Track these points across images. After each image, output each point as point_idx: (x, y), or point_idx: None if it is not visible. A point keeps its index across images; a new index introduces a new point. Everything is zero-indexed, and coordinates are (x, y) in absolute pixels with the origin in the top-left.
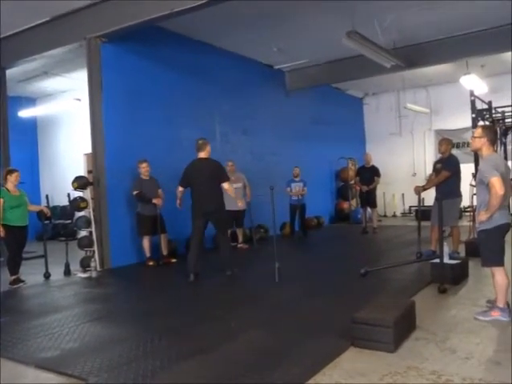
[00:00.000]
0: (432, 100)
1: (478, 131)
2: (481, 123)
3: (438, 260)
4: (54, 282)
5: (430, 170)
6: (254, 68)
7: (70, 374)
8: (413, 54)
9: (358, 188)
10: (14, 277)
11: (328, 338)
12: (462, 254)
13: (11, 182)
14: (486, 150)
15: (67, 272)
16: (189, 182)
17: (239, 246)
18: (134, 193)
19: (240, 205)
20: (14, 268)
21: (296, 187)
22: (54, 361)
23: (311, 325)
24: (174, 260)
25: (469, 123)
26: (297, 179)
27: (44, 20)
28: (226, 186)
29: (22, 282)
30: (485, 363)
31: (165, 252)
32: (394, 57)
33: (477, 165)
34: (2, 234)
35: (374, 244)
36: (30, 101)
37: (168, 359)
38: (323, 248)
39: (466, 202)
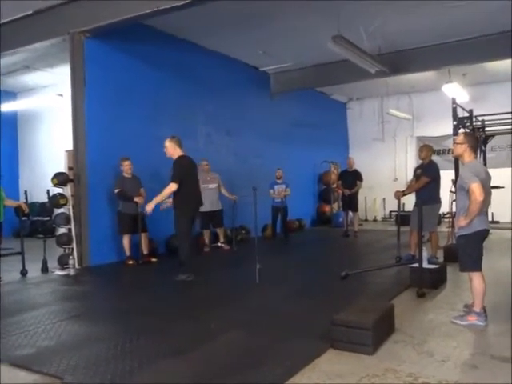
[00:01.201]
0: (414, 107)
1: (460, 138)
2: (461, 131)
3: (416, 264)
4: (31, 279)
5: (411, 175)
6: (240, 69)
7: (46, 373)
8: (397, 61)
9: (340, 191)
10: None
11: (307, 340)
12: (441, 259)
13: None
14: (467, 157)
15: (45, 269)
16: (185, 178)
17: (220, 245)
18: (116, 191)
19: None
20: None
21: (279, 189)
22: (30, 359)
23: (291, 326)
24: (154, 259)
25: (450, 131)
26: (279, 181)
27: (27, 13)
28: None
29: None
30: (461, 366)
31: (145, 251)
32: (379, 62)
33: (457, 171)
34: None
35: (354, 247)
36: (11, 95)
37: (146, 359)
38: (304, 250)
39: (445, 208)
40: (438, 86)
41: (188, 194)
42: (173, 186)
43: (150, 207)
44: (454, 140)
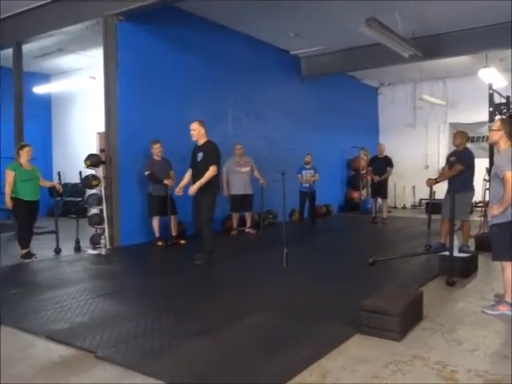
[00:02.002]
0: (449, 92)
1: (497, 124)
2: (498, 117)
3: (447, 253)
4: (64, 257)
5: (443, 163)
6: (270, 52)
7: (79, 347)
8: (432, 45)
9: (369, 178)
10: (24, 250)
11: (334, 324)
12: (472, 248)
13: (23, 156)
14: (503, 144)
15: (77, 248)
16: (219, 163)
17: (247, 230)
18: (146, 173)
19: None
20: (25, 242)
21: (307, 174)
22: (64, 333)
23: (318, 310)
24: (182, 241)
25: (485, 117)
26: (308, 166)
27: None
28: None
29: (33, 255)
30: (490, 356)
31: (174, 233)
32: (413, 46)
33: (491, 159)
34: (10, 206)
35: (382, 234)
36: (45, 77)
37: (175, 337)
38: (332, 236)
39: (478, 196)
40: (474, 71)
41: (218, 183)
42: (215, 169)
43: (193, 190)
44: (489, 127)
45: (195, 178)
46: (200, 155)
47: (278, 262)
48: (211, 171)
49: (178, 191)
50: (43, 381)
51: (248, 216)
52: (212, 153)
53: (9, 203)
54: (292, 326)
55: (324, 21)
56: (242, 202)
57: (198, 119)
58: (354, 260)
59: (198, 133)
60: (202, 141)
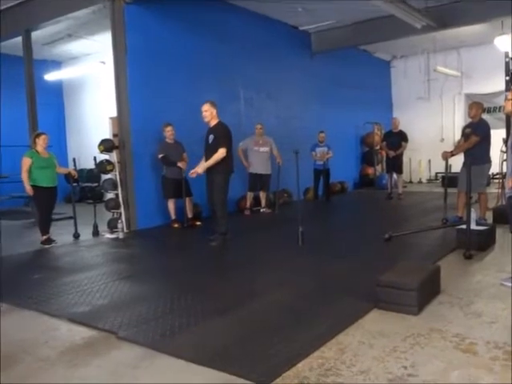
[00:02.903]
0: (463, 63)
1: None
2: None
3: (464, 226)
4: (83, 242)
5: (458, 135)
6: (279, 29)
7: (101, 328)
8: (445, 14)
9: (384, 153)
10: (45, 236)
11: (351, 300)
12: (489, 221)
13: (40, 144)
14: None
15: (95, 233)
16: (230, 145)
17: (262, 210)
18: (159, 156)
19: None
20: (45, 228)
21: (321, 152)
22: (86, 315)
23: (335, 286)
24: (198, 223)
25: (502, 87)
26: (322, 144)
27: None
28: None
29: (53, 241)
30: (510, 328)
31: (190, 215)
32: (426, 17)
33: (508, 130)
34: (31, 193)
35: (398, 210)
36: (56, 64)
37: (194, 317)
38: (347, 213)
39: (495, 168)
40: (490, 40)
41: (231, 161)
42: (224, 152)
43: (200, 170)
44: (505, 96)
45: (207, 160)
46: (211, 137)
47: (293, 241)
48: (219, 153)
49: (191, 174)
50: (67, 362)
51: (263, 196)
52: (222, 135)
53: (29, 190)
54: (309, 302)
55: None
56: (259, 181)
57: (210, 100)
58: (369, 236)
59: (210, 114)
60: (213, 122)
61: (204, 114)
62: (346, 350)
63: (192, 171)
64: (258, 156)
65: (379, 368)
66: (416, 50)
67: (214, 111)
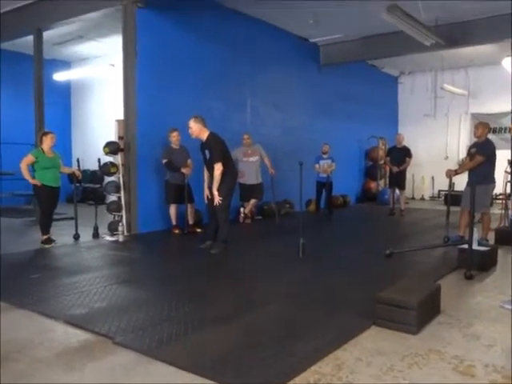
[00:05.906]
0: (471, 82)
1: None
2: None
3: (465, 245)
4: (83, 243)
5: (463, 154)
6: (289, 40)
7: (98, 332)
8: (455, 32)
9: (387, 168)
10: (45, 236)
11: (350, 315)
12: (491, 241)
13: (46, 143)
14: None
15: (96, 235)
16: (226, 155)
17: (243, 215)
18: (164, 161)
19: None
20: (46, 228)
21: (324, 164)
22: (83, 318)
23: (334, 301)
24: (199, 230)
25: (508, 107)
26: (325, 156)
27: None
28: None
29: (53, 241)
30: (508, 352)
31: (191, 221)
32: (435, 34)
33: None
34: (39, 184)
35: (400, 226)
36: (65, 64)
37: (191, 324)
38: (348, 227)
39: (499, 189)
40: (498, 60)
41: (231, 171)
42: (220, 166)
43: (217, 199)
44: None
45: (212, 177)
46: (207, 153)
47: (294, 252)
48: (217, 170)
49: (206, 199)
50: (62, 365)
51: (252, 203)
52: (215, 149)
53: (35, 182)
54: (307, 316)
55: (344, 7)
56: (251, 191)
57: (193, 115)
58: (370, 251)
59: (196, 129)
60: (203, 136)
61: (190, 131)
62: (343, 367)
63: (205, 196)
64: (248, 166)
65: None
66: (424, 67)
67: (200, 125)
